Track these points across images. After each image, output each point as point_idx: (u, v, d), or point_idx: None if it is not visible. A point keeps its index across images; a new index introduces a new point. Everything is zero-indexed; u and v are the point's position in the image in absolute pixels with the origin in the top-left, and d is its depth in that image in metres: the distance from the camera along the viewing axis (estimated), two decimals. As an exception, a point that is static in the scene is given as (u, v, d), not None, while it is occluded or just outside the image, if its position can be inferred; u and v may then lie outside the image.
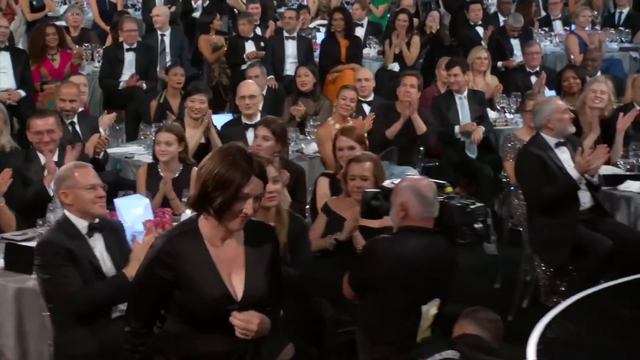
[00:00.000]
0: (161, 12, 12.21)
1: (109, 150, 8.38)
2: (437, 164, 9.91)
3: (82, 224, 5.18)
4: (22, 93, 9.97)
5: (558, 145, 7.20)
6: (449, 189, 5.52)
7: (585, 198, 7.16)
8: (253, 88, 8.49)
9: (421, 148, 9.25)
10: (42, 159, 7.07)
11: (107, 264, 5.18)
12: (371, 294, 5.18)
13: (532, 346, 4.12)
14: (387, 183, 5.54)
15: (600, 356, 4.19)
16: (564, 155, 7.16)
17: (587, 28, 13.26)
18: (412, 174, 8.47)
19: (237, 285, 3.61)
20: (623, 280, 5.32)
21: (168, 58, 11.78)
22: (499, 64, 12.09)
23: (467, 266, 7.75)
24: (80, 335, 5.06)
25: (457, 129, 9.30)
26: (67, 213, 5.27)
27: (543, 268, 7.16)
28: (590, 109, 8.14)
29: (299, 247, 5.57)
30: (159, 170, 7.01)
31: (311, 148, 8.81)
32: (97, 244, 5.18)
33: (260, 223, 3.88)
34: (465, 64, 10.00)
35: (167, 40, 11.87)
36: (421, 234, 5.14)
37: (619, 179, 7.58)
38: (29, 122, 7.13)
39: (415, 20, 13.56)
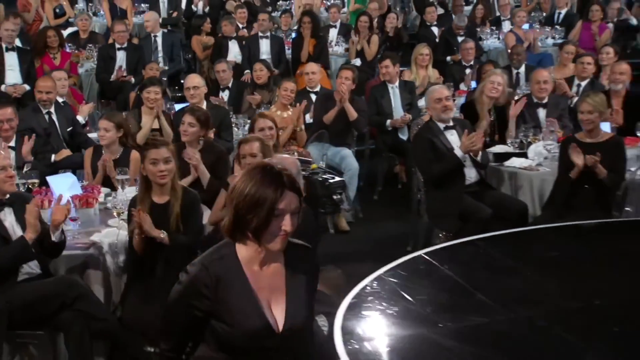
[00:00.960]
0: (150, 17, 12.31)
1: (92, 136, 8.47)
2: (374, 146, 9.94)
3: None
4: (27, 87, 9.98)
5: (447, 128, 7.26)
6: (314, 166, 5.65)
7: (471, 173, 7.27)
8: (196, 80, 8.46)
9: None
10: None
11: (17, 233, 5.14)
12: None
13: (349, 296, 4.19)
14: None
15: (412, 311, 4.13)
16: (452, 138, 7.24)
17: (524, 26, 13.19)
18: (346, 154, 8.56)
19: (277, 314, 3.16)
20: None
21: (160, 55, 11.79)
22: (448, 58, 12.00)
23: (389, 233, 7.82)
24: None
25: (388, 122, 9.31)
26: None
27: (443, 234, 7.12)
28: (488, 97, 8.14)
29: (190, 217, 5.46)
30: (103, 152, 6.94)
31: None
32: (8, 217, 5.18)
33: (299, 245, 3.35)
34: (395, 57, 10.05)
35: (159, 40, 11.96)
36: None
37: (506, 156, 7.60)
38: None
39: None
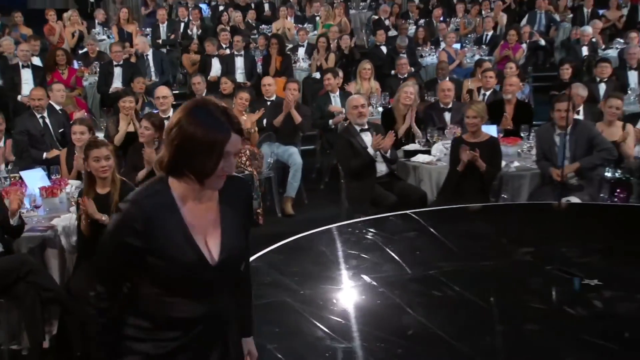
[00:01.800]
0: (139, 41, 12.38)
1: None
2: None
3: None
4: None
5: (362, 130, 7.29)
6: None
7: (382, 167, 7.35)
8: (165, 91, 8.46)
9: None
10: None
11: None
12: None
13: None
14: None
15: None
16: (367, 138, 7.30)
17: (456, 46, 13.15)
18: (293, 151, 8.59)
19: (213, 247, 2.64)
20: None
21: (152, 70, 11.79)
22: (392, 72, 11.93)
23: (325, 216, 7.81)
24: None
25: (330, 121, 9.27)
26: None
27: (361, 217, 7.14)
28: (403, 105, 8.12)
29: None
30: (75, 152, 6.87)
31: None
32: None
33: (234, 177, 2.75)
34: (335, 71, 10.06)
35: (150, 58, 11.90)
36: None
37: (413, 153, 7.60)
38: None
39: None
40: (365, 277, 4.22)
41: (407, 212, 5.73)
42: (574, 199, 6.66)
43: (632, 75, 10.68)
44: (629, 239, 4.84)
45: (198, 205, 2.62)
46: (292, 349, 3.38)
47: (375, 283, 4.11)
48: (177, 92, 11.87)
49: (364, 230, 5.12)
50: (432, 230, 5.04)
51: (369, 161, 7.17)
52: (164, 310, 2.61)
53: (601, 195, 6.89)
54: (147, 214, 2.52)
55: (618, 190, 6.96)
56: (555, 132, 6.93)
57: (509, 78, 8.73)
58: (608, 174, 7.00)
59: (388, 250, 4.65)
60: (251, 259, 4.58)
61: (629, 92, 9.95)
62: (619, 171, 7.08)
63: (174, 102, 9.56)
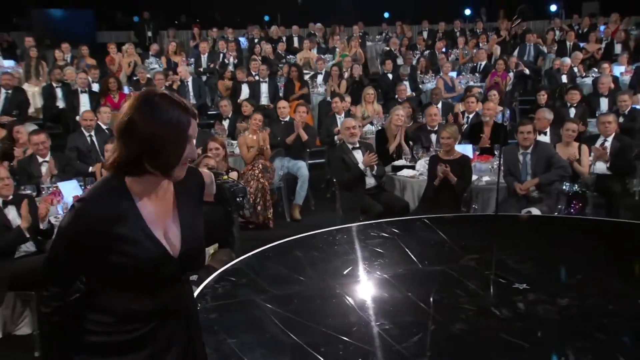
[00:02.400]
0: (182, 69, 12.43)
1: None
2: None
3: (-1, 200, 5.25)
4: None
5: (354, 148, 7.28)
6: (225, 177, 5.58)
7: (371, 181, 7.29)
8: None
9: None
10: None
11: (17, 223, 5.21)
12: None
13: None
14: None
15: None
16: (358, 155, 7.27)
17: (452, 74, 13.05)
18: (301, 165, 8.58)
19: (173, 240, 2.37)
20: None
21: (191, 94, 11.85)
22: (396, 96, 11.84)
23: (328, 222, 7.77)
24: None
25: (336, 137, 9.21)
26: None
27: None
28: (394, 125, 8.09)
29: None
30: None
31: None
32: (11, 212, 5.26)
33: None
34: (341, 96, 10.03)
35: (189, 84, 11.96)
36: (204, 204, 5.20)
37: (400, 168, 7.57)
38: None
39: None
40: (329, 281, 4.20)
41: (379, 221, 5.70)
42: (534, 210, 6.58)
43: (603, 102, 10.53)
44: (562, 248, 4.76)
45: (155, 199, 2.35)
46: (248, 343, 3.35)
47: (336, 287, 4.07)
48: (213, 112, 11.97)
49: (337, 237, 5.09)
50: (395, 237, 5.00)
51: (359, 175, 7.18)
52: (123, 304, 2.32)
53: (559, 206, 6.79)
54: (105, 212, 2.22)
55: (574, 202, 6.86)
56: (519, 151, 6.85)
57: (487, 103, 8.67)
58: (566, 188, 6.91)
59: (353, 256, 4.63)
60: (235, 261, 4.64)
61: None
62: (577, 185, 6.98)
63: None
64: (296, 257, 4.65)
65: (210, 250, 5.07)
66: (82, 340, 2.36)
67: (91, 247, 2.22)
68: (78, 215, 2.23)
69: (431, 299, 3.84)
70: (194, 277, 4.25)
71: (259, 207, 8.02)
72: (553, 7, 20.17)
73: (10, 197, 5.31)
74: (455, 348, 3.33)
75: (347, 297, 3.89)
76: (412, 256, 4.56)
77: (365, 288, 4.06)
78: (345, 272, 4.33)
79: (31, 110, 11.80)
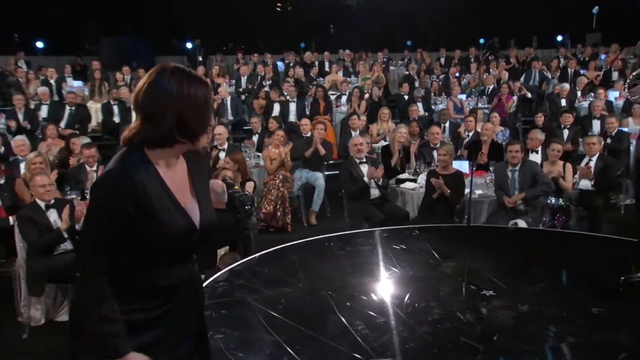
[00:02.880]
0: (223, 90, 12.42)
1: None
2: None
3: (41, 204, 5.34)
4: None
5: (360, 163, 7.22)
6: (236, 187, 5.59)
7: (375, 192, 7.18)
8: (220, 129, 8.35)
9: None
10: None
11: (58, 225, 5.26)
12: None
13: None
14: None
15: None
16: (364, 169, 7.25)
17: (461, 96, 12.87)
18: (318, 176, 8.53)
19: (193, 212, 2.18)
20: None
21: (230, 111, 11.89)
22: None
23: (339, 227, 7.70)
24: (39, 261, 5.17)
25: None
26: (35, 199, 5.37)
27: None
28: (397, 142, 8.01)
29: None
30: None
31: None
32: (52, 215, 5.30)
33: (192, 151, 2.23)
34: (358, 115, 10.00)
35: (228, 103, 12.02)
36: (217, 211, 5.18)
37: (404, 181, 7.47)
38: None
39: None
40: (316, 284, 4.15)
41: (372, 229, 5.63)
42: (520, 222, 6.42)
43: (596, 124, 10.24)
44: (533, 258, 4.64)
45: (174, 172, 2.16)
46: (232, 339, 3.32)
47: (322, 290, 4.02)
48: (248, 128, 11.96)
49: (331, 244, 5.04)
50: (384, 245, 4.92)
51: (364, 187, 7.09)
52: (147, 280, 2.10)
53: (544, 219, 6.63)
54: (137, 180, 2.00)
55: (558, 215, 6.70)
56: (508, 168, 6.71)
57: (486, 124, 8.51)
58: (551, 202, 6.75)
59: (341, 261, 4.58)
60: (238, 262, 4.62)
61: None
62: (561, 199, 6.81)
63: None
64: (292, 261, 4.61)
65: (221, 252, 5.06)
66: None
67: (126, 216, 1.99)
68: (113, 185, 2.00)
69: (404, 303, 3.77)
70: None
71: (278, 213, 7.99)
72: (559, 38, 19.84)
73: (52, 201, 5.35)
74: (417, 349, 3.25)
75: (330, 300, 3.84)
76: (396, 263, 4.49)
77: (347, 291, 3.99)
78: (332, 276, 4.28)
79: (94, 124, 11.99)
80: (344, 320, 3.53)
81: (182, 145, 2.09)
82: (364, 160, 7.29)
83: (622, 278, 4.00)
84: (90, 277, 2.03)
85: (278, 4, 23.04)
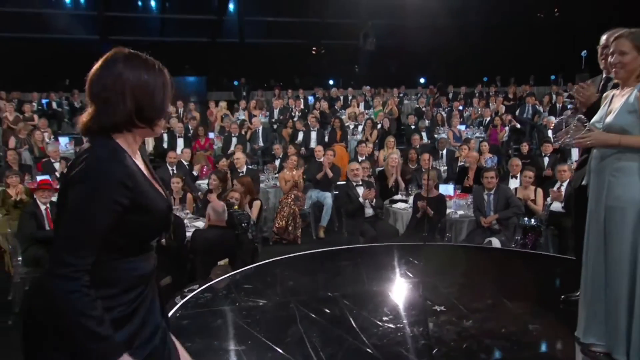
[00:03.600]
0: (255, 120, 12.37)
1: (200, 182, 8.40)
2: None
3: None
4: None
5: (357, 185, 7.02)
6: (235, 207, 5.45)
7: (369, 211, 6.94)
8: (238, 154, 8.37)
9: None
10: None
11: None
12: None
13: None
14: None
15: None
16: (360, 191, 7.00)
17: (460, 127, 12.53)
18: (327, 196, 8.31)
19: (163, 193, 1.82)
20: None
21: (261, 138, 11.81)
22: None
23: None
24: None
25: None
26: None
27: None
28: (391, 167, 7.77)
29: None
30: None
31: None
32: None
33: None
34: (365, 142, 9.74)
35: (259, 131, 11.93)
36: (217, 228, 5.05)
37: (396, 201, 7.21)
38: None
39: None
40: (289, 297, 3.96)
41: (354, 246, 5.41)
42: (494, 239, 6.10)
43: (574, 151, 9.77)
44: (488, 275, 4.36)
45: (136, 157, 1.78)
46: (198, 347, 3.15)
47: (291, 302, 3.83)
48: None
49: (312, 260, 4.85)
50: (360, 261, 4.71)
51: (359, 206, 6.86)
52: (126, 272, 1.71)
53: (516, 237, 6.30)
54: (128, 169, 1.66)
55: (529, 234, 6.36)
56: (485, 192, 6.40)
57: (469, 152, 8.19)
58: (524, 222, 6.42)
59: (317, 276, 4.38)
60: (227, 275, 4.45)
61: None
62: (533, 220, 6.47)
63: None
64: (274, 275, 4.44)
65: (221, 263, 4.91)
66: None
67: (121, 207, 1.62)
68: (107, 175, 1.61)
69: (361, 317, 3.55)
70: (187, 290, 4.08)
71: (290, 227, 7.81)
72: (553, 77, 19.33)
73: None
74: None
75: (296, 311, 3.65)
76: (364, 278, 4.26)
77: (313, 305, 3.79)
78: (304, 290, 4.09)
79: (150, 149, 12.04)
80: (302, 331, 3.34)
81: (142, 130, 1.74)
82: (360, 183, 7.07)
83: (562, 297, 3.70)
84: (75, 276, 1.57)
85: (314, 48, 23.03)
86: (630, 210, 2.81)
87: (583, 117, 3.18)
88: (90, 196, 1.58)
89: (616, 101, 3.00)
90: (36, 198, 5.77)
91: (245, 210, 5.53)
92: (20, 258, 5.45)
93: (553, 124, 2.85)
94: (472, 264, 4.78)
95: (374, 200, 6.90)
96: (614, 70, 3.00)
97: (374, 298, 3.87)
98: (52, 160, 8.79)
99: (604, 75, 3.58)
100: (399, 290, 4.05)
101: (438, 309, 3.61)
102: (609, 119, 2.95)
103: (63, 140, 10.88)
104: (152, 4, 20.74)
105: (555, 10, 18.49)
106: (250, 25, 21.29)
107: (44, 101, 15.74)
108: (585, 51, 17.75)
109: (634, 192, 2.82)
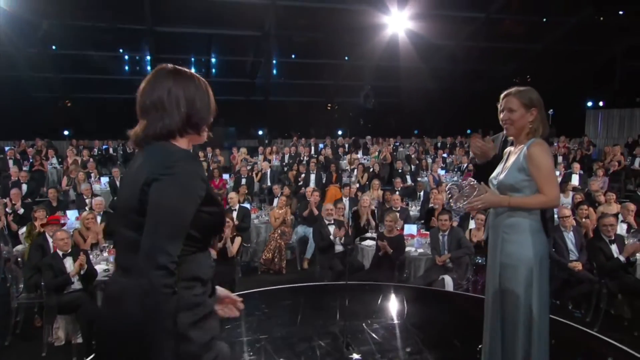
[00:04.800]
0: (264, 164, 11.96)
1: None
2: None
3: (60, 253, 4.79)
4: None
5: (329, 224, 6.53)
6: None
7: (339, 247, 6.53)
8: (232, 194, 7.77)
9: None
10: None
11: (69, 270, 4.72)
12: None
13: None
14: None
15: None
16: (331, 229, 6.58)
17: (440, 171, 11.87)
18: (310, 231, 7.70)
19: None
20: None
21: (269, 179, 11.36)
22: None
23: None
24: (52, 297, 4.63)
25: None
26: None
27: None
28: (363, 207, 7.17)
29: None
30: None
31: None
32: (68, 261, 4.75)
33: None
34: (350, 185, 9.10)
35: (267, 173, 11.57)
36: None
37: (365, 239, 6.60)
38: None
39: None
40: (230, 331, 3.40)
41: (306, 284, 4.82)
42: (447, 277, 5.45)
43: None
44: (416, 317, 3.70)
45: None
46: None
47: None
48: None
49: (260, 298, 4.26)
50: (302, 301, 4.11)
51: (330, 243, 6.29)
52: (206, 265, 1.53)
53: (467, 275, 5.60)
54: (202, 165, 1.55)
55: (480, 273, 5.65)
56: (440, 232, 5.76)
57: (437, 195, 7.52)
58: (476, 261, 5.72)
59: (255, 315, 3.79)
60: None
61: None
62: (484, 258, 5.77)
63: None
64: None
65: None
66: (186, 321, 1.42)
67: (200, 199, 1.46)
68: (190, 173, 1.45)
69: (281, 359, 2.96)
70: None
71: (276, 259, 7.26)
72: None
73: (69, 250, 4.84)
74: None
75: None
76: (298, 319, 3.66)
77: (237, 347, 3.21)
78: (244, 327, 3.51)
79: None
80: None
81: (191, 136, 1.58)
82: (332, 222, 6.51)
83: (479, 346, 3.04)
84: (173, 269, 1.38)
85: (328, 105, 22.85)
86: (522, 269, 2.27)
87: (473, 179, 2.61)
88: (181, 191, 1.43)
89: (510, 158, 2.47)
90: (45, 232, 5.37)
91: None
92: (22, 285, 5.06)
93: (447, 188, 2.29)
94: (405, 304, 4.14)
95: (343, 238, 6.31)
96: (505, 127, 2.46)
97: (298, 339, 3.27)
98: (85, 197, 8.48)
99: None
100: (324, 331, 3.44)
101: (354, 357, 2.99)
102: (501, 176, 2.41)
103: (104, 180, 10.63)
104: (203, 70, 20.93)
105: (528, 77, 17.90)
106: (275, 86, 21.19)
107: (104, 147, 15.74)
108: (551, 110, 17.14)
109: (524, 250, 2.28)
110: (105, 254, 5.39)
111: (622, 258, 5.12)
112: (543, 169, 2.32)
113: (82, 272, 4.65)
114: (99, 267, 5.07)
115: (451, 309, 4.08)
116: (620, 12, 15.83)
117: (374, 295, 4.23)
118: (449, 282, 5.38)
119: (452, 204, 2.50)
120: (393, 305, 4.04)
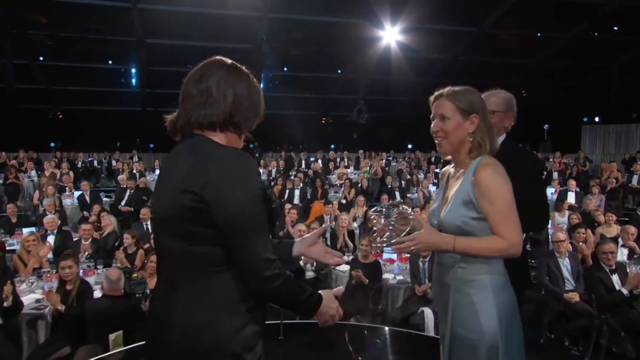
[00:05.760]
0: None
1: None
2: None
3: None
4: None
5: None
6: (135, 275, 4.25)
7: (310, 273, 5.76)
8: None
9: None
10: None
11: None
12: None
13: None
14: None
15: None
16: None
17: (431, 187, 11.19)
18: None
19: None
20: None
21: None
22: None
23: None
24: None
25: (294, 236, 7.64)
26: None
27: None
28: (341, 227, 6.48)
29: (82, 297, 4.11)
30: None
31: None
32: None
33: None
34: (332, 203, 8.47)
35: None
36: (108, 298, 3.85)
37: (340, 264, 5.86)
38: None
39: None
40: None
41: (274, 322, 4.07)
42: (426, 309, 4.73)
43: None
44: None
45: None
46: None
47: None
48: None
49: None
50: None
51: (299, 268, 5.60)
52: (237, 288, 1.41)
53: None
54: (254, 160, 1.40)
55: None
56: (419, 259, 5.06)
57: (421, 214, 6.84)
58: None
59: None
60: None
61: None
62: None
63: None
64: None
65: (112, 337, 3.67)
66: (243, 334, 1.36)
67: (261, 192, 1.37)
68: (249, 169, 1.34)
69: None
70: None
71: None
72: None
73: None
74: None
75: None
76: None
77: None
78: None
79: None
80: None
81: (230, 136, 1.44)
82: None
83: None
84: (280, 271, 1.37)
85: (323, 119, 22.27)
86: (483, 348, 1.53)
87: (406, 207, 1.90)
88: (251, 197, 1.32)
89: (452, 186, 1.75)
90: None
91: (144, 278, 4.32)
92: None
93: (371, 213, 1.65)
94: (360, 344, 3.44)
95: (314, 263, 5.62)
96: (436, 142, 1.76)
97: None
98: (47, 213, 7.79)
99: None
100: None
101: None
102: (443, 212, 1.69)
103: (77, 194, 9.94)
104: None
105: (523, 92, 17.32)
106: (267, 99, 20.62)
107: (89, 159, 15.10)
108: (547, 125, 16.60)
109: (485, 317, 1.55)
110: (42, 282, 4.68)
111: (624, 291, 4.42)
112: (498, 202, 1.63)
113: (5, 304, 3.95)
114: (31, 297, 4.36)
115: (421, 352, 3.39)
116: (615, 28, 15.32)
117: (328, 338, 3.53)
118: (429, 316, 4.68)
119: (370, 241, 1.79)
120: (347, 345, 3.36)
